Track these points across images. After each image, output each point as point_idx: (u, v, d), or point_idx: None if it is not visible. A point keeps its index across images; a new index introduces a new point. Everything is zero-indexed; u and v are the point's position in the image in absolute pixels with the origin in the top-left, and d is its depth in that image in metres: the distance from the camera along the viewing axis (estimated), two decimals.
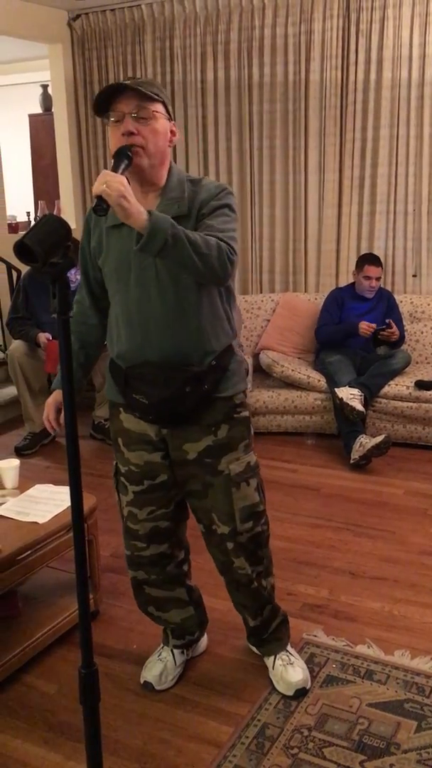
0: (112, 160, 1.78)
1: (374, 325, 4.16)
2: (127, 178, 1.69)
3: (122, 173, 1.71)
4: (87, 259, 2.04)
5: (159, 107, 1.86)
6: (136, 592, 2.22)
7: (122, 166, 1.74)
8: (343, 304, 4.38)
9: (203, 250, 1.72)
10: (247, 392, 2.10)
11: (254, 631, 2.25)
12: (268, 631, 2.23)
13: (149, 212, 1.65)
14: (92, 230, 1.99)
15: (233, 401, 2.02)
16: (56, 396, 2.09)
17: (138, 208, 1.64)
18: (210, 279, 1.83)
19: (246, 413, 2.07)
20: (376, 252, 4.71)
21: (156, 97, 1.84)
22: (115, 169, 1.72)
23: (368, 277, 4.28)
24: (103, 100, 1.82)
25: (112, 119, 1.83)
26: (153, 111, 1.83)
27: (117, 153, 1.79)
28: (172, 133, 1.91)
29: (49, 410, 2.09)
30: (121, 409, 2.05)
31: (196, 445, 1.99)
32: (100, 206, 1.62)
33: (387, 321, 4.21)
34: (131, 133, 1.80)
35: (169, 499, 2.08)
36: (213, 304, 1.94)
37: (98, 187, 1.62)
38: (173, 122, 1.92)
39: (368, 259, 4.32)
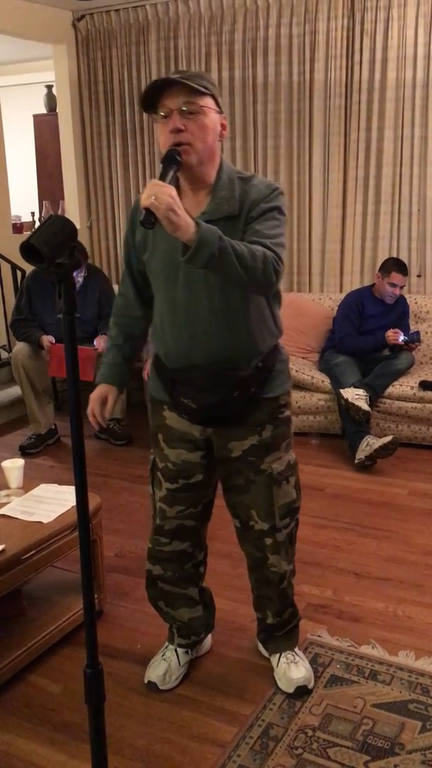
0: (161, 164, 1.74)
1: (400, 333, 4.14)
2: (177, 179, 1.67)
3: (171, 181, 1.67)
4: (131, 252, 2.01)
5: (209, 101, 1.80)
6: (149, 586, 2.23)
7: (170, 174, 1.70)
8: (363, 308, 4.34)
9: (249, 263, 1.69)
10: (290, 391, 2.10)
11: (269, 628, 2.25)
12: (283, 630, 2.24)
13: (197, 224, 1.61)
14: (137, 224, 1.94)
15: (278, 401, 2.03)
16: (101, 390, 2.09)
17: (186, 220, 1.59)
18: (255, 290, 1.82)
19: (288, 413, 2.08)
20: (380, 253, 4.72)
21: (205, 90, 1.78)
22: (163, 177, 1.68)
23: (393, 285, 4.22)
24: (151, 95, 1.77)
25: (161, 115, 1.78)
26: (202, 106, 1.77)
27: (165, 158, 1.74)
28: (223, 127, 1.85)
29: (94, 404, 2.08)
30: (164, 406, 2.04)
31: (241, 444, 2.00)
32: (148, 220, 1.57)
33: (417, 332, 4.22)
34: (178, 130, 1.75)
35: (199, 500, 2.10)
36: (260, 305, 1.92)
37: (146, 200, 1.57)
38: (223, 116, 1.86)
39: (396, 266, 4.24)
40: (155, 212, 1.56)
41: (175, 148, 1.75)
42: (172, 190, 1.59)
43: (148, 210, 1.57)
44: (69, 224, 1.33)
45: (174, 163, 1.73)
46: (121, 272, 2.14)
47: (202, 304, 1.87)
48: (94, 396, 2.08)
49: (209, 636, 2.39)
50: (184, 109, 1.75)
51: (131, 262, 2.04)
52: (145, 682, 2.23)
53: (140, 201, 1.59)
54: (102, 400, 2.08)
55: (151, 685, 2.21)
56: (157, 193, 1.56)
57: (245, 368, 1.92)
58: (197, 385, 1.92)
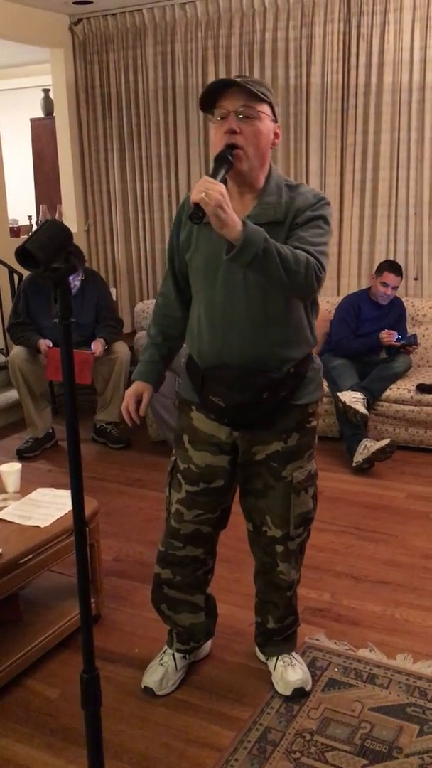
0: (213, 163, 1.77)
1: (394, 333, 4.15)
2: (226, 180, 1.69)
3: (221, 179, 1.69)
4: (174, 251, 2.03)
5: (266, 108, 1.82)
6: (154, 589, 2.22)
7: (222, 172, 1.72)
8: (359, 311, 4.35)
9: (292, 266, 1.71)
10: (321, 400, 2.10)
11: (268, 632, 2.25)
12: (282, 635, 2.24)
13: (244, 223, 1.64)
14: (183, 223, 1.97)
15: (307, 410, 2.02)
16: (137, 387, 2.09)
17: (234, 218, 1.62)
18: (296, 294, 1.83)
19: (315, 422, 2.07)
20: (377, 256, 4.72)
21: (264, 97, 1.80)
22: (214, 175, 1.70)
23: (385, 284, 4.23)
24: (211, 96, 1.79)
25: (217, 117, 1.81)
26: (259, 111, 1.80)
27: (218, 158, 1.76)
28: (276, 135, 1.88)
29: (129, 400, 2.08)
30: (193, 407, 2.04)
31: (266, 448, 2.00)
32: (197, 215, 1.61)
33: (414, 335, 4.23)
34: (234, 132, 1.78)
35: (218, 506, 2.09)
36: (297, 313, 1.92)
37: (197, 195, 1.60)
38: (278, 124, 1.89)
39: (389, 267, 4.26)
40: (204, 208, 1.60)
41: (228, 149, 1.78)
42: (223, 188, 1.63)
43: (197, 205, 1.60)
44: (65, 229, 1.33)
45: (226, 163, 1.75)
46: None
47: (240, 306, 1.87)
48: (130, 393, 2.09)
49: (209, 641, 2.38)
50: (240, 112, 1.78)
51: (174, 262, 2.05)
52: (142, 687, 2.22)
53: (190, 197, 1.62)
54: (137, 398, 2.09)
55: (148, 691, 2.20)
56: (208, 189, 1.60)
57: (276, 372, 1.91)
58: (227, 384, 1.91)
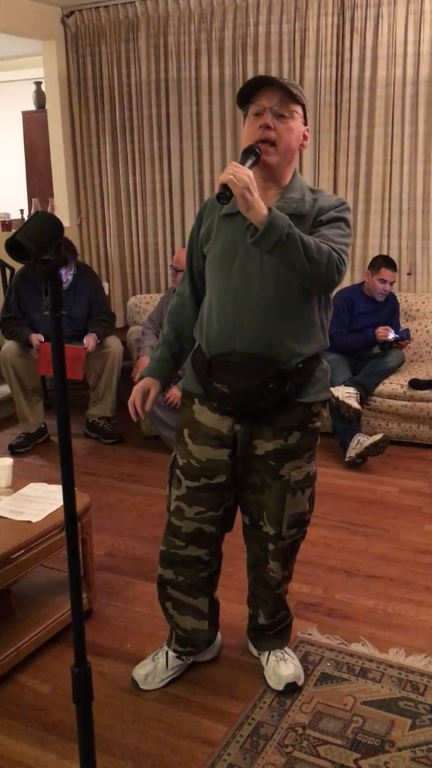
0: (241, 155, 1.82)
1: (390, 329, 4.15)
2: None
3: (248, 168, 1.74)
4: (193, 248, 2.05)
5: (299, 109, 1.89)
6: (159, 589, 2.21)
7: (249, 162, 1.77)
8: (353, 306, 4.35)
9: (314, 254, 1.73)
10: (326, 402, 2.10)
11: (260, 627, 2.25)
12: (274, 630, 2.24)
13: (269, 208, 1.69)
14: (205, 219, 2.00)
15: (311, 409, 2.02)
16: (145, 383, 2.10)
17: (260, 202, 1.68)
18: (315, 284, 1.84)
19: (318, 423, 2.07)
20: (370, 251, 4.71)
21: (299, 98, 1.88)
22: (242, 163, 1.75)
23: (384, 281, 4.23)
24: (248, 91, 1.86)
25: (252, 112, 1.87)
26: (293, 111, 1.87)
27: (246, 150, 1.82)
28: (304, 137, 1.94)
29: (136, 395, 2.09)
30: (195, 400, 2.03)
31: (266, 444, 2.00)
32: (224, 194, 1.66)
33: (407, 329, 4.23)
34: (268, 127, 1.83)
35: (221, 503, 2.07)
36: (310, 308, 1.93)
37: (225, 176, 1.66)
38: (307, 127, 1.95)
39: (385, 263, 4.26)
40: (232, 188, 1.65)
41: (257, 144, 1.83)
42: (250, 172, 1.69)
43: (224, 185, 1.66)
44: (55, 221, 1.32)
45: (253, 154, 1.81)
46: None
47: (253, 291, 1.88)
48: (138, 387, 2.10)
49: (217, 645, 2.33)
50: (276, 110, 1.84)
51: (192, 259, 2.06)
52: (131, 678, 2.22)
53: (219, 178, 1.67)
54: (144, 392, 2.09)
55: (134, 683, 2.20)
56: (237, 172, 1.66)
57: (285, 364, 1.91)
58: (234, 370, 1.91)
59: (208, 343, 1.97)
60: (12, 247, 1.29)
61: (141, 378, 2.13)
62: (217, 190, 1.69)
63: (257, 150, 1.82)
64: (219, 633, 2.31)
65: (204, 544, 2.09)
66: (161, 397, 3.83)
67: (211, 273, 1.98)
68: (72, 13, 5.27)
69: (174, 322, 2.13)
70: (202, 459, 2.02)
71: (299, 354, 1.93)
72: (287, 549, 2.13)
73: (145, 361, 3.96)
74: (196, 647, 2.24)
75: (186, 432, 2.05)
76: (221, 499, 2.06)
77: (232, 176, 1.65)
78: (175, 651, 2.24)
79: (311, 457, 2.07)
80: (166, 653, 2.24)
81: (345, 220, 1.90)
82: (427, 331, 4.47)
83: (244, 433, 1.99)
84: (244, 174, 1.66)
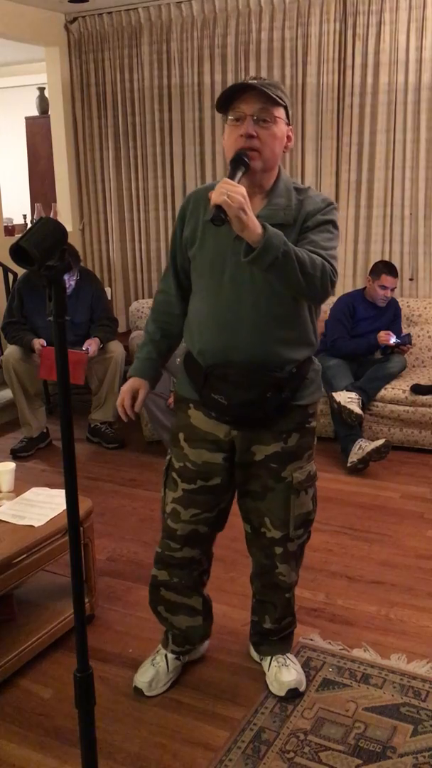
0: (229, 166, 1.78)
1: (391, 333, 4.15)
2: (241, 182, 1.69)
3: (239, 181, 1.71)
4: (177, 248, 2.02)
5: (281, 112, 1.84)
6: (151, 591, 2.21)
7: (239, 174, 1.74)
8: (354, 311, 4.36)
9: (309, 270, 1.72)
10: (319, 401, 2.10)
11: (265, 632, 2.24)
12: (278, 636, 2.24)
13: (264, 226, 1.65)
14: (188, 219, 1.97)
15: (307, 410, 2.02)
16: (133, 383, 2.08)
17: (255, 221, 1.64)
18: (308, 297, 1.84)
19: (314, 423, 2.07)
20: (372, 256, 4.72)
21: (280, 101, 1.81)
22: (231, 176, 1.72)
23: (384, 287, 4.24)
24: (227, 97, 1.81)
25: (231, 118, 1.81)
26: (275, 116, 1.82)
27: (234, 160, 1.78)
28: (288, 138, 1.89)
29: (125, 396, 2.07)
30: (191, 405, 2.03)
31: (265, 449, 1.99)
32: (219, 216, 1.62)
33: (408, 334, 4.24)
34: (251, 136, 1.78)
35: (215, 505, 2.07)
36: (302, 315, 1.93)
37: (219, 197, 1.61)
38: (290, 127, 1.90)
39: (386, 269, 4.26)
40: (227, 210, 1.61)
41: (244, 151, 1.78)
42: (243, 190, 1.65)
43: (219, 207, 1.61)
44: (59, 227, 1.33)
45: (242, 164, 1.76)
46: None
47: (246, 304, 1.87)
48: (125, 389, 2.08)
49: (206, 643, 2.37)
50: (257, 116, 1.79)
51: (176, 258, 2.04)
52: (133, 687, 2.21)
53: (211, 198, 1.63)
54: (132, 393, 2.08)
55: (137, 691, 2.20)
56: (230, 191, 1.61)
57: (279, 371, 1.91)
58: (232, 381, 1.90)
59: (201, 353, 1.96)
60: (16, 252, 1.29)
61: (128, 377, 2.10)
62: (210, 212, 1.64)
63: (245, 159, 1.77)
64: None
65: (197, 544, 2.11)
66: (164, 401, 3.83)
67: (198, 282, 1.97)
68: (75, 19, 5.29)
69: (160, 321, 2.10)
70: (198, 462, 2.02)
71: (293, 360, 1.93)
72: (296, 551, 2.12)
73: None
74: (193, 644, 2.25)
75: (182, 436, 2.05)
76: (217, 501, 2.07)
77: (226, 197, 1.59)
78: (173, 651, 2.24)
79: (311, 456, 2.07)
80: (165, 656, 2.24)
81: (332, 222, 1.87)
82: (429, 337, 4.47)
83: (242, 439, 1.99)
84: (238, 194, 1.61)
